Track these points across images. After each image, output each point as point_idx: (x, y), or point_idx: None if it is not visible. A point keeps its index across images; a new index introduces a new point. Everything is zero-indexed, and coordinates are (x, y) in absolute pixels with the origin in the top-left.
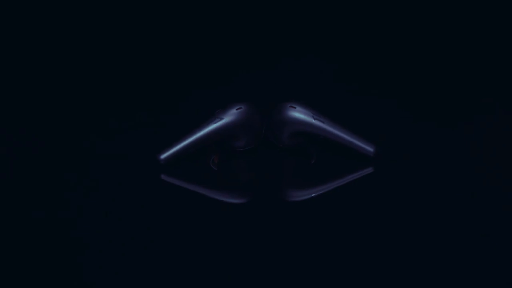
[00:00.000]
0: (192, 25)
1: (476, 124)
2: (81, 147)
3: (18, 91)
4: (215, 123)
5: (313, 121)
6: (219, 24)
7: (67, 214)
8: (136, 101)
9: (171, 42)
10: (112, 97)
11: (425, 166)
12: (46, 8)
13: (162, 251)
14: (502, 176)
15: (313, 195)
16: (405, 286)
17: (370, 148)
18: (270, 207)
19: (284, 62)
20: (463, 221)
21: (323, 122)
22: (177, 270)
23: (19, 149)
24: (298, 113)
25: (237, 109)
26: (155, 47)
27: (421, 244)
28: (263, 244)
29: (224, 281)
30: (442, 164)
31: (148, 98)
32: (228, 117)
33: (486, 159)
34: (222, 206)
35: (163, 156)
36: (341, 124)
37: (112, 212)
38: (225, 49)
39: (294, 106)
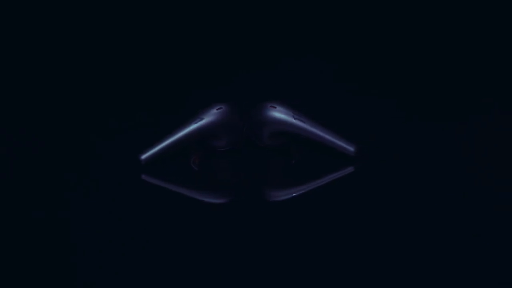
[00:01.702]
0: (192, 25)
1: (468, 124)
2: (81, 147)
3: (18, 91)
4: (196, 123)
5: (294, 120)
6: (219, 24)
7: (67, 214)
8: (136, 101)
9: (171, 42)
10: (112, 97)
11: (422, 165)
12: (46, 7)
13: (161, 251)
14: (494, 176)
15: (294, 194)
16: (397, 287)
17: (351, 148)
18: (251, 207)
19: (284, 62)
20: (454, 221)
21: (304, 122)
22: (175, 270)
23: (19, 149)
24: (279, 113)
25: (217, 109)
26: (155, 47)
27: (411, 244)
28: (246, 244)
29: (217, 281)
30: (434, 164)
31: (148, 98)
32: (208, 117)
33: (477, 159)
34: (214, 207)
35: (143, 156)
36: (323, 123)
37: (112, 212)
38: (225, 49)
39: (275, 106)
